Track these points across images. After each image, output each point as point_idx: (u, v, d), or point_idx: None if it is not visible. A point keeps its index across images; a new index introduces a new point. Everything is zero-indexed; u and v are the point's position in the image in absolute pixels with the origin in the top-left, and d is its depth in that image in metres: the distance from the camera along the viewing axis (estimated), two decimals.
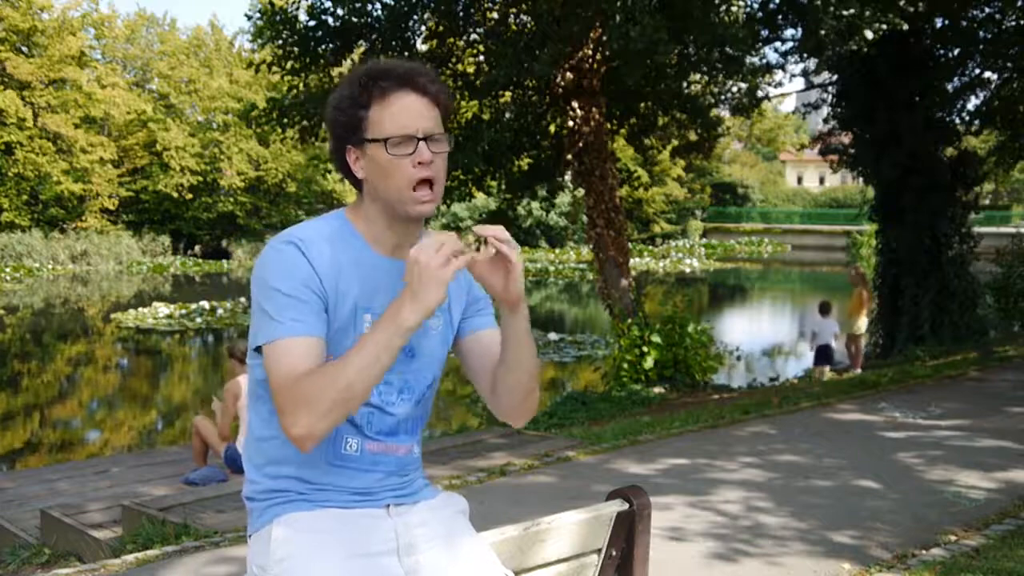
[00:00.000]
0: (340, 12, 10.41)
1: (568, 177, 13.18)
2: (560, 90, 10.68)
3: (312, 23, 10.56)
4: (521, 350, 1.73)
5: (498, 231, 1.58)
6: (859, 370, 10.61)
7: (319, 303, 1.60)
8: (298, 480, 1.67)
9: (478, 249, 1.58)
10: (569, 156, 11.44)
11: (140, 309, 22.92)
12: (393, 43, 10.69)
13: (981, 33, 12.54)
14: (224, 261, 40.25)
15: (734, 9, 8.25)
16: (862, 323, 10.97)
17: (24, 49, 38.20)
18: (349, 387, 1.50)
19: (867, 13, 8.18)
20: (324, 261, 1.63)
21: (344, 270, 1.65)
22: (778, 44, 12.18)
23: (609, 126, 11.66)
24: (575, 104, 10.58)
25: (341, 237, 1.69)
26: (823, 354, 11.11)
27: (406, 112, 1.64)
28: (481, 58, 11.60)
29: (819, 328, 11.40)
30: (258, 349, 1.60)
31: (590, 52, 10.50)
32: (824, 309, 11.44)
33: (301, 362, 1.54)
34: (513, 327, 1.70)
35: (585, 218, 11.42)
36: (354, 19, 10.40)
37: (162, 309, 22.75)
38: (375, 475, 1.70)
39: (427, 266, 1.49)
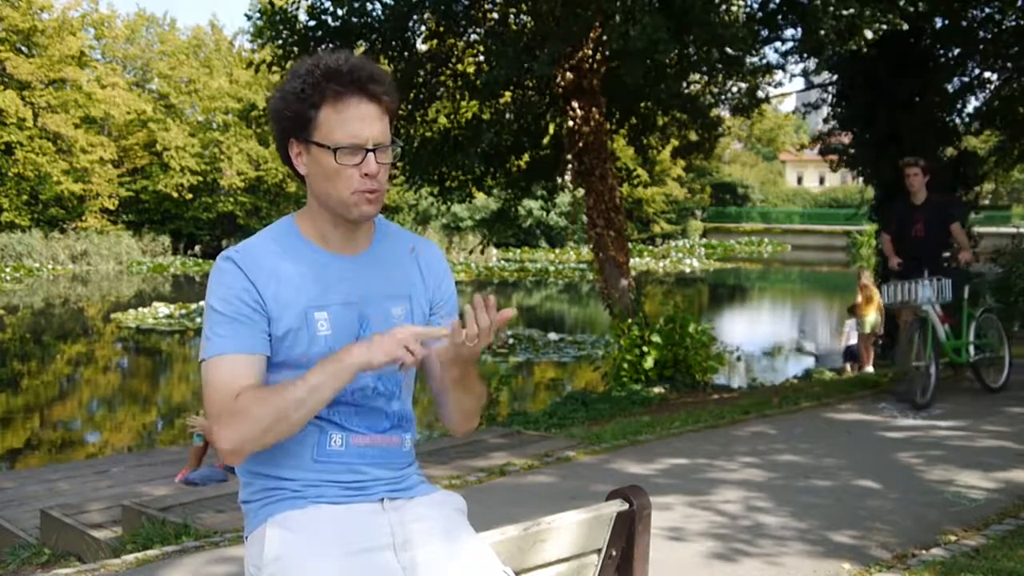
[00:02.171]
0: (340, 12, 10.41)
1: (568, 177, 13.18)
2: (560, 90, 10.67)
3: (312, 23, 10.56)
4: (467, 392, 1.77)
5: (483, 318, 1.58)
6: (869, 368, 10.64)
7: (256, 316, 1.63)
8: (288, 480, 1.67)
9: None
10: (569, 156, 11.44)
11: (140, 309, 22.94)
12: (393, 43, 10.69)
13: (981, 33, 12.54)
14: None
15: (734, 9, 8.24)
16: (869, 321, 10.93)
17: (24, 49, 38.22)
18: (285, 415, 1.56)
19: (867, 13, 8.17)
20: (262, 271, 1.66)
21: (287, 275, 1.67)
22: (778, 44, 12.17)
23: (609, 126, 11.65)
24: (575, 104, 10.57)
25: (287, 242, 1.72)
26: (850, 353, 11.68)
27: (358, 121, 1.64)
28: (481, 58, 11.60)
29: (848, 328, 12.10)
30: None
31: (590, 52, 10.50)
32: (853, 310, 11.98)
33: (230, 378, 1.59)
34: (458, 372, 1.71)
35: (585, 218, 11.42)
36: (354, 19, 10.40)
37: (162, 309, 22.76)
38: (365, 468, 1.70)
39: (393, 335, 1.58)
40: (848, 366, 11.60)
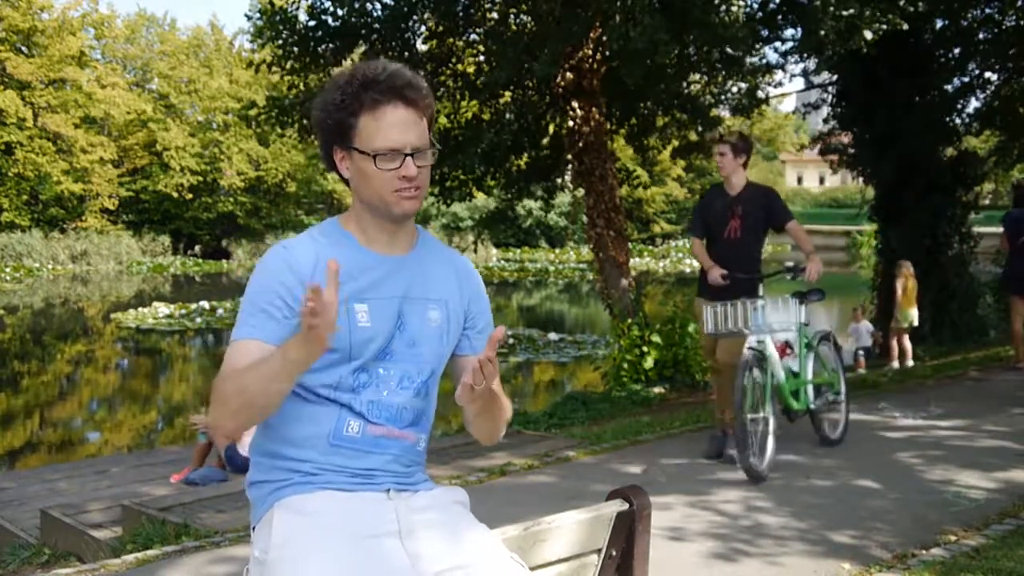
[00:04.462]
0: (340, 12, 10.41)
1: (568, 177, 13.18)
2: (560, 90, 10.67)
3: (312, 23, 10.56)
4: (492, 415, 1.81)
5: (493, 374, 1.62)
6: (909, 362, 10.45)
7: (287, 311, 1.68)
8: (300, 461, 1.71)
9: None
10: (569, 156, 11.44)
11: (140, 309, 22.94)
12: (393, 43, 10.69)
13: (981, 33, 12.54)
14: (224, 261, 40.27)
15: (734, 9, 8.24)
16: (910, 314, 10.60)
17: (24, 49, 38.24)
18: (250, 398, 1.59)
19: (867, 13, 8.17)
20: (307, 264, 1.71)
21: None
22: (778, 44, 12.17)
23: (609, 126, 11.65)
24: (575, 104, 10.57)
25: (333, 238, 1.78)
26: (866, 353, 11.55)
27: (395, 127, 1.71)
28: (481, 58, 11.60)
29: (855, 332, 11.89)
30: None
31: (590, 52, 10.50)
32: (857, 313, 12.10)
33: (236, 363, 1.64)
34: (484, 402, 1.73)
35: (585, 218, 11.42)
36: (354, 19, 10.40)
37: (162, 309, 22.76)
38: (376, 457, 1.74)
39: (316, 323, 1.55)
40: (865, 357, 11.36)
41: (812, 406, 5.59)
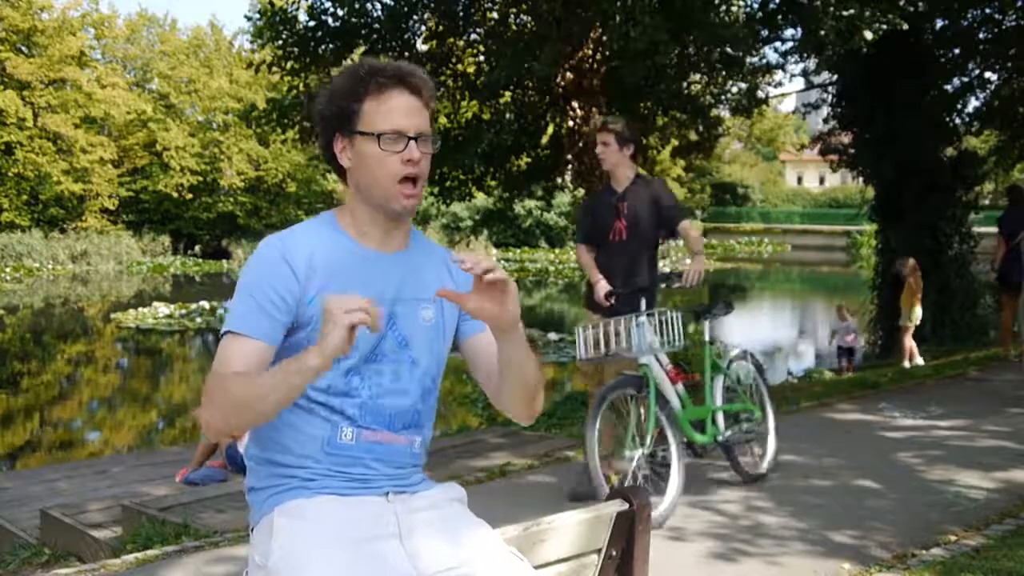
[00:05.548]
0: (340, 12, 10.42)
1: (568, 177, 13.18)
2: (560, 90, 10.68)
3: (312, 23, 10.57)
4: (522, 369, 1.75)
5: (484, 263, 1.59)
6: (919, 360, 10.29)
7: (279, 306, 1.67)
8: (297, 468, 1.70)
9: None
10: (569, 156, 11.44)
11: (140, 309, 22.92)
12: (393, 43, 10.70)
13: (981, 33, 12.55)
14: (224, 261, 40.23)
15: (734, 9, 8.24)
16: (917, 313, 10.41)
17: (24, 49, 38.19)
18: (247, 405, 1.58)
19: (867, 13, 8.17)
20: (301, 257, 1.69)
21: (324, 263, 1.70)
22: (778, 44, 12.19)
23: None
24: (575, 104, 10.58)
25: (327, 233, 1.76)
26: (846, 352, 11.68)
27: (400, 110, 1.71)
28: (481, 58, 11.60)
29: (840, 328, 11.95)
30: None
31: (590, 52, 10.50)
32: (841, 312, 12.04)
33: (233, 358, 1.62)
34: (510, 351, 1.72)
35: None
36: (354, 19, 10.41)
37: (162, 309, 22.74)
38: (372, 463, 1.72)
39: (330, 309, 1.51)
40: (844, 364, 11.55)
41: (721, 438, 4.70)
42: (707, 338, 4.86)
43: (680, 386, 4.59)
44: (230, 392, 1.58)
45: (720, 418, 4.73)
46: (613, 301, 4.46)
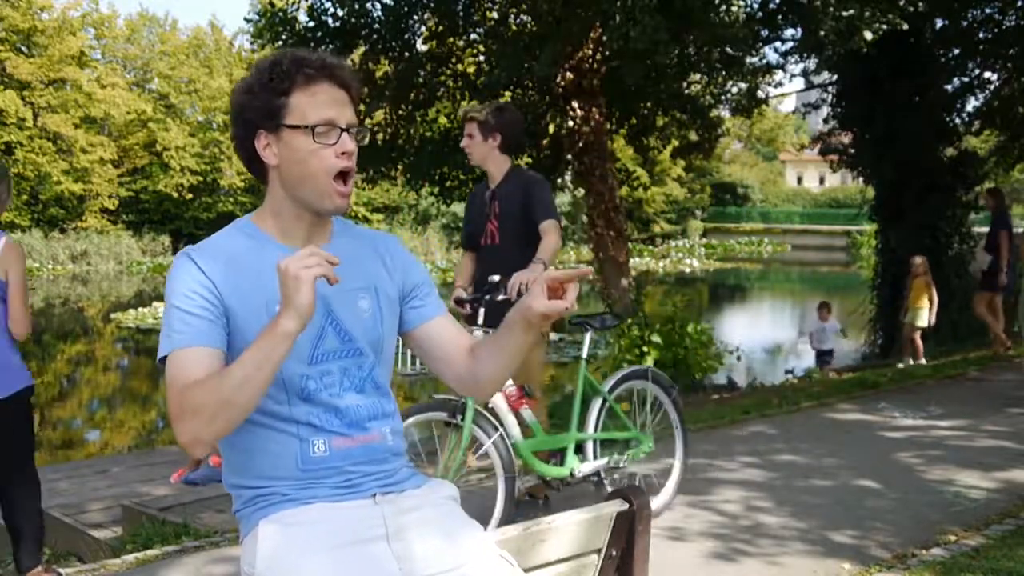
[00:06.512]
0: (340, 13, 10.42)
1: (568, 177, 13.19)
2: (560, 90, 10.68)
3: (312, 24, 10.57)
4: (519, 356, 1.74)
5: (554, 275, 1.60)
6: (923, 360, 10.15)
7: (214, 311, 1.61)
8: (279, 487, 1.67)
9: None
10: (569, 156, 11.45)
11: (140, 309, 22.92)
12: (393, 43, 10.71)
13: (981, 33, 12.55)
14: None
15: (734, 9, 8.24)
16: (923, 313, 10.23)
17: (24, 49, 38.19)
18: (231, 397, 1.49)
19: (867, 13, 8.18)
20: (220, 266, 1.64)
21: (247, 269, 1.66)
22: (778, 44, 12.20)
23: (609, 126, 11.67)
24: (575, 104, 10.59)
25: (246, 238, 1.71)
26: (824, 359, 11.38)
27: (331, 103, 1.66)
28: (481, 58, 11.61)
29: (818, 333, 11.65)
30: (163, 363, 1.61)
31: (590, 52, 10.51)
32: (824, 310, 11.69)
33: (189, 372, 1.55)
34: (522, 340, 1.69)
35: (585, 218, 11.42)
36: (354, 19, 10.41)
37: (162, 309, 22.74)
38: (352, 468, 1.69)
39: (287, 269, 1.47)
40: (824, 367, 11.19)
41: (580, 472, 3.94)
42: (584, 354, 4.23)
43: (527, 412, 3.91)
44: (206, 393, 1.50)
45: (590, 448, 4.00)
46: (467, 309, 3.88)
